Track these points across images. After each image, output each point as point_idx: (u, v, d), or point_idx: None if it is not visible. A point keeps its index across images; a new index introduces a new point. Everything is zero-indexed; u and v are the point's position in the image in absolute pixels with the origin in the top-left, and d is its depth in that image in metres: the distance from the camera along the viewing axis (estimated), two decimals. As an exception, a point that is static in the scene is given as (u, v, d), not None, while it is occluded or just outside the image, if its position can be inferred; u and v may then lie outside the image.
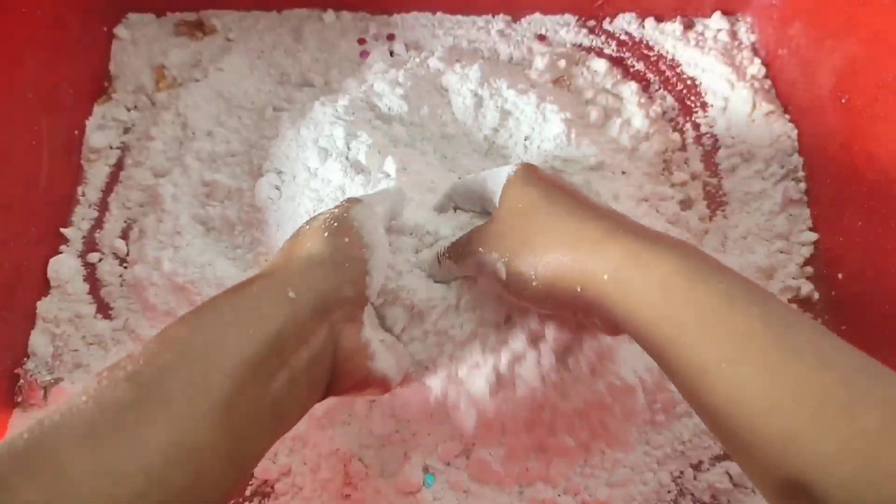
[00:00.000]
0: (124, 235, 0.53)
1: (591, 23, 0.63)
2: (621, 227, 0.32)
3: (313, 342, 0.31)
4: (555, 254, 0.33)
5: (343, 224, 0.35)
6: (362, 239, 0.35)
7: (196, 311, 0.29)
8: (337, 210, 0.36)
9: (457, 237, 0.41)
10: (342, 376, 0.33)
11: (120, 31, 0.60)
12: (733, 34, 0.62)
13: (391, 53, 0.60)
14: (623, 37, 0.62)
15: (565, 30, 0.62)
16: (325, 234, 0.34)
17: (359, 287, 0.34)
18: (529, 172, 0.37)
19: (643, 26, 0.63)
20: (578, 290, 0.32)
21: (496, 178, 0.39)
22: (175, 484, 0.23)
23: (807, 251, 0.53)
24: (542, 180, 0.37)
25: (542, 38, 0.62)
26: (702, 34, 0.62)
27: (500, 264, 0.35)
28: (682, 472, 0.45)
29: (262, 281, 0.31)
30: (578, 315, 0.34)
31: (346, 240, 0.34)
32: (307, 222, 0.37)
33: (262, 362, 0.28)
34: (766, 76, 0.60)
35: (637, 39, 0.62)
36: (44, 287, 0.50)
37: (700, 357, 0.27)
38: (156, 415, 0.24)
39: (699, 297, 0.28)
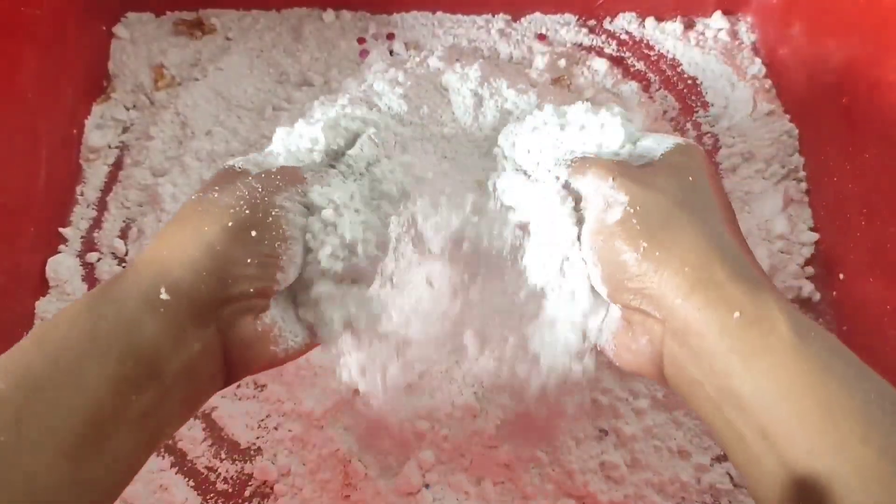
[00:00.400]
0: (123, 235, 0.53)
1: (592, 22, 0.63)
2: (775, 287, 0.27)
3: (192, 345, 0.27)
4: (691, 253, 0.27)
5: (258, 213, 0.29)
6: (281, 232, 0.29)
7: (50, 326, 0.25)
8: (259, 189, 0.30)
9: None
10: (242, 366, 0.29)
11: (119, 30, 0.60)
12: (734, 34, 0.62)
13: (391, 53, 0.60)
14: (623, 36, 0.62)
15: (565, 29, 0.62)
16: (229, 224, 0.28)
17: (263, 283, 0.29)
18: (706, 157, 0.32)
19: (644, 26, 0.62)
20: (678, 302, 0.26)
21: (654, 138, 0.33)
22: None
23: (808, 251, 0.53)
24: (717, 174, 0.32)
25: (542, 37, 0.62)
26: (702, 34, 0.62)
27: (619, 207, 0.29)
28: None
29: (129, 279, 0.27)
30: (633, 320, 0.29)
31: (254, 234, 0.28)
32: (203, 190, 0.30)
33: (125, 381, 0.24)
34: (767, 76, 0.60)
35: (637, 39, 0.62)
36: (42, 287, 0.50)
37: (855, 462, 0.22)
38: (6, 470, 0.22)
39: (867, 391, 0.23)
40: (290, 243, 0.30)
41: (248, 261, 0.28)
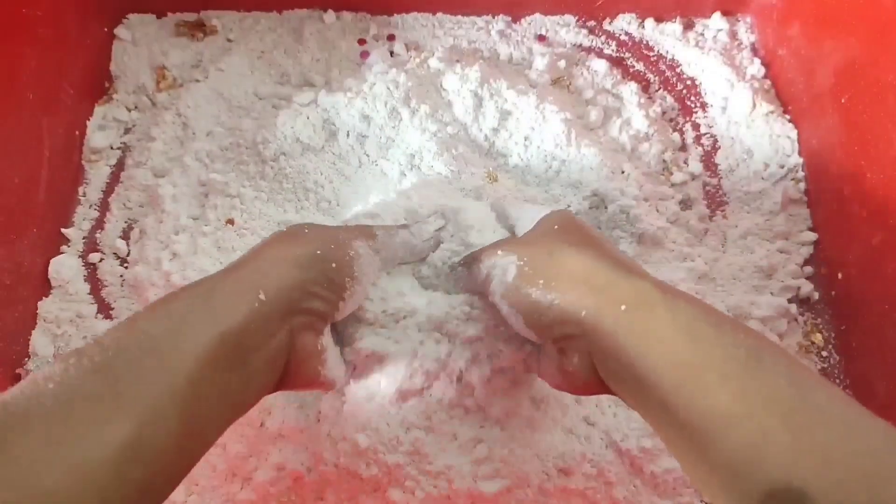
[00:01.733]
0: (125, 236, 0.53)
1: (591, 23, 0.63)
2: (651, 275, 0.32)
3: (273, 343, 0.31)
4: (578, 273, 0.33)
5: (339, 251, 0.36)
6: (352, 271, 0.36)
7: (165, 300, 0.30)
8: (342, 234, 0.37)
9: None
10: (295, 377, 0.34)
11: (120, 31, 0.60)
12: (733, 34, 0.62)
13: (391, 54, 0.60)
14: (623, 37, 0.63)
15: (565, 30, 0.62)
16: (317, 252, 0.34)
17: (328, 306, 0.35)
18: (570, 214, 0.39)
19: (643, 27, 0.63)
20: (583, 314, 0.31)
21: (528, 212, 0.41)
22: (135, 478, 0.24)
23: (806, 251, 0.53)
24: (582, 224, 0.38)
25: (542, 38, 0.62)
26: (701, 34, 0.62)
27: (513, 265, 0.35)
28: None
29: (234, 277, 0.32)
30: (563, 346, 0.33)
31: (334, 265, 0.35)
32: (302, 225, 0.37)
33: (222, 358, 0.28)
34: (766, 76, 0.60)
35: (637, 40, 0.62)
36: (45, 287, 0.50)
37: (720, 406, 0.26)
38: (120, 411, 0.24)
39: (726, 346, 0.28)
40: (357, 282, 0.36)
41: (325, 284, 0.34)
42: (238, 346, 0.29)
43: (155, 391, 0.25)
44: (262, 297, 0.31)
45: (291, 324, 0.32)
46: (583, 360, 0.33)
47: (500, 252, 0.37)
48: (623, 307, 0.30)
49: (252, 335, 0.30)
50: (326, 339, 0.36)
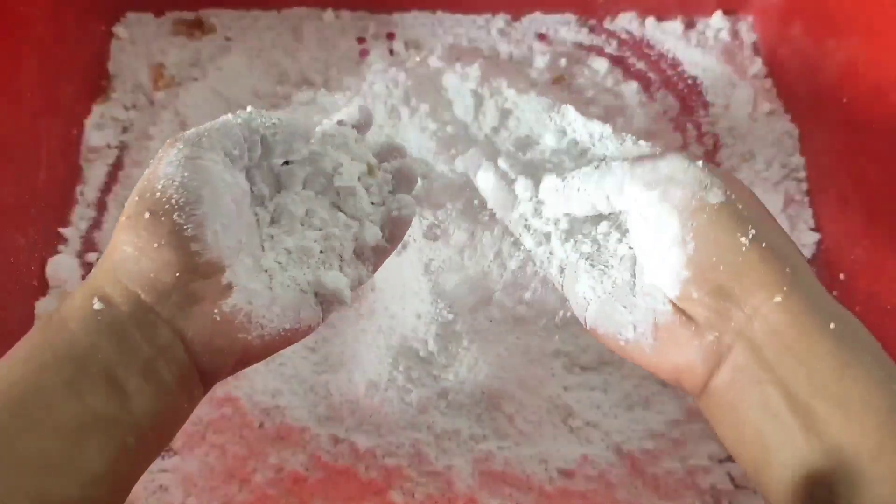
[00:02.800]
0: (123, 235, 0.53)
1: (592, 22, 0.63)
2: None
3: (144, 353, 0.26)
4: (785, 242, 0.27)
5: (144, 193, 0.27)
6: (191, 206, 0.27)
7: (17, 350, 0.26)
8: (146, 173, 0.28)
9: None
10: (211, 367, 0.28)
11: (118, 30, 0.60)
12: (734, 33, 0.62)
13: (391, 52, 0.60)
14: (624, 36, 0.62)
15: (566, 29, 0.62)
16: (123, 219, 0.27)
17: (181, 262, 0.26)
18: (743, 185, 0.30)
19: (644, 25, 0.62)
20: (779, 299, 0.26)
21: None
22: None
23: (808, 251, 0.53)
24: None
25: (542, 36, 0.61)
26: (703, 33, 0.62)
27: (717, 191, 0.28)
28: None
29: (66, 303, 0.27)
30: (697, 306, 0.27)
31: (148, 216, 0.26)
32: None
33: (86, 391, 0.25)
34: (768, 76, 0.60)
35: (638, 38, 0.62)
36: (42, 287, 0.50)
37: None
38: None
39: None
40: (200, 201, 0.27)
41: (161, 243, 0.26)
42: (88, 374, 0.25)
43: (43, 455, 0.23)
44: (97, 305, 0.26)
45: (159, 315, 0.26)
46: (710, 346, 0.27)
47: (701, 164, 0.29)
48: (832, 325, 0.25)
49: (104, 354, 0.25)
50: (240, 296, 0.27)
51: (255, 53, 0.60)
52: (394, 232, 0.35)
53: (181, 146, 0.28)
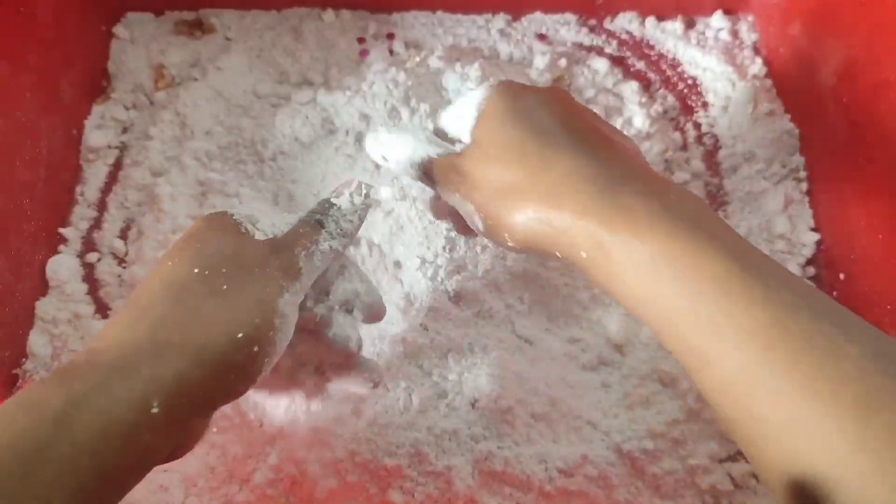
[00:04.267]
0: (123, 235, 0.53)
1: (592, 22, 0.63)
2: (611, 186, 0.28)
3: (163, 451, 0.26)
4: (532, 216, 0.29)
5: (262, 323, 0.28)
6: (274, 346, 0.28)
7: (20, 425, 0.23)
8: (267, 288, 0.29)
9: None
10: (188, 447, 0.29)
11: (119, 30, 0.60)
12: (734, 33, 0.62)
13: (391, 52, 0.60)
14: (624, 36, 0.62)
15: (566, 29, 0.62)
16: (240, 336, 0.27)
17: (239, 394, 0.28)
18: (512, 97, 0.32)
19: (644, 25, 0.62)
20: (558, 255, 0.29)
21: (468, 104, 0.34)
22: None
23: (808, 251, 0.53)
24: (527, 108, 0.32)
25: (542, 37, 0.61)
26: (703, 33, 0.62)
27: (476, 218, 0.32)
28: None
29: (115, 383, 0.24)
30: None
31: (256, 349, 0.27)
32: (200, 262, 0.29)
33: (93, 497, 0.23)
34: (768, 75, 0.60)
35: (638, 38, 0.62)
36: (42, 287, 0.50)
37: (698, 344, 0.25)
38: None
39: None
40: (276, 354, 0.29)
41: (239, 375, 0.27)
42: (113, 477, 0.24)
43: None
44: (154, 410, 0.24)
45: (190, 426, 0.27)
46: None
47: (457, 196, 0.32)
48: (584, 255, 0.28)
49: (135, 456, 0.24)
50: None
51: (255, 53, 0.60)
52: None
53: (284, 283, 0.29)
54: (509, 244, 0.31)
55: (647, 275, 0.26)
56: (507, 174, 0.30)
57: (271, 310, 0.28)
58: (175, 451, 0.28)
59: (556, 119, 0.31)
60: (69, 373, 0.25)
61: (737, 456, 0.46)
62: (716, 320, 0.25)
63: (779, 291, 0.24)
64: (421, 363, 0.45)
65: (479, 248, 0.47)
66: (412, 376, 0.45)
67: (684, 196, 0.28)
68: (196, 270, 0.28)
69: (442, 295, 0.46)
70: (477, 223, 0.32)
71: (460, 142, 0.35)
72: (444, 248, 0.46)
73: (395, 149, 0.36)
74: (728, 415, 0.25)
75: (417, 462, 0.43)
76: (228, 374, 0.27)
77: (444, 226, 0.45)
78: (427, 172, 0.35)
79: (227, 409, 0.45)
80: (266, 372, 0.28)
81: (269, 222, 0.32)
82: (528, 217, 0.29)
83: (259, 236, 0.31)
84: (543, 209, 0.29)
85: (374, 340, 0.45)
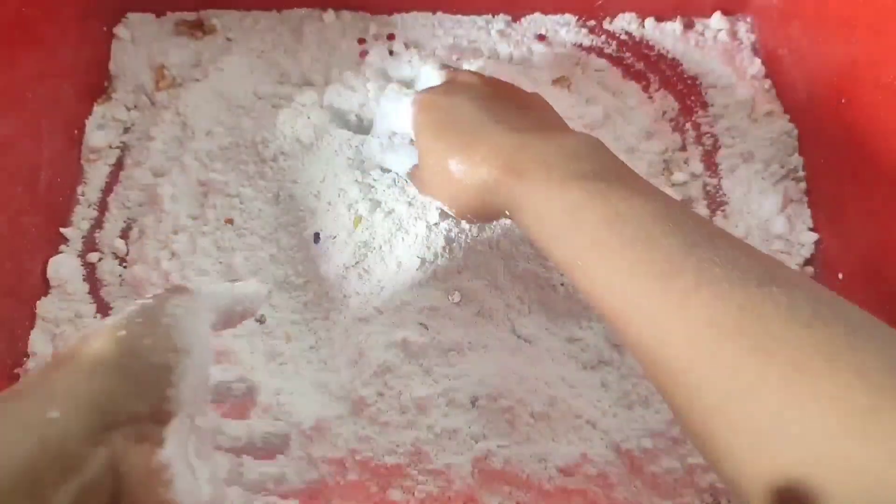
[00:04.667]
0: (124, 235, 0.53)
1: (591, 22, 0.63)
2: (519, 160, 0.36)
3: (85, 471, 0.24)
4: (485, 201, 0.37)
5: (149, 319, 0.28)
6: (171, 341, 0.28)
7: None
8: (150, 301, 0.29)
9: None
10: None
11: (119, 30, 0.60)
12: (733, 34, 0.62)
13: (391, 53, 0.60)
14: (623, 36, 0.62)
15: (565, 30, 0.62)
16: (120, 333, 0.27)
17: (156, 401, 0.27)
18: (429, 111, 0.41)
19: (643, 26, 0.62)
20: (507, 213, 0.37)
21: (403, 118, 0.43)
22: None
23: (807, 251, 0.53)
24: (445, 115, 0.40)
25: (542, 37, 0.62)
26: (702, 34, 0.62)
27: (445, 208, 0.41)
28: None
29: (11, 399, 0.24)
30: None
31: (146, 341, 0.27)
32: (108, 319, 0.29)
33: None
34: (767, 76, 0.60)
35: (637, 39, 0.62)
36: (43, 287, 0.50)
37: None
38: None
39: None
40: (186, 354, 0.28)
41: (141, 377, 0.26)
42: (22, 488, 0.22)
43: None
44: (53, 414, 0.24)
45: (110, 442, 0.25)
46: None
47: (429, 197, 0.43)
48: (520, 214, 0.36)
49: (45, 470, 0.23)
50: (170, 448, 0.26)
51: (256, 54, 0.60)
52: None
53: (186, 298, 0.30)
54: (473, 220, 0.41)
55: (549, 224, 0.33)
56: (447, 172, 0.38)
57: (153, 309, 0.29)
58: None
59: (468, 109, 0.39)
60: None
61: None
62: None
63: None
64: (421, 362, 0.45)
65: (479, 248, 0.47)
66: (412, 375, 0.45)
67: (578, 143, 0.36)
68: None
69: (442, 295, 0.47)
70: (448, 212, 0.41)
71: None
72: (443, 248, 0.46)
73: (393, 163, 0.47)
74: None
75: (417, 461, 0.43)
76: (126, 375, 0.26)
77: (443, 226, 0.46)
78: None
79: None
80: (181, 383, 0.27)
81: None
82: (469, 196, 0.38)
83: None
84: (475, 186, 0.37)
85: (378, 337, 0.45)
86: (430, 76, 0.46)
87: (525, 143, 0.36)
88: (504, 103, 0.41)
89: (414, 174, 0.44)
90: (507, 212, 0.37)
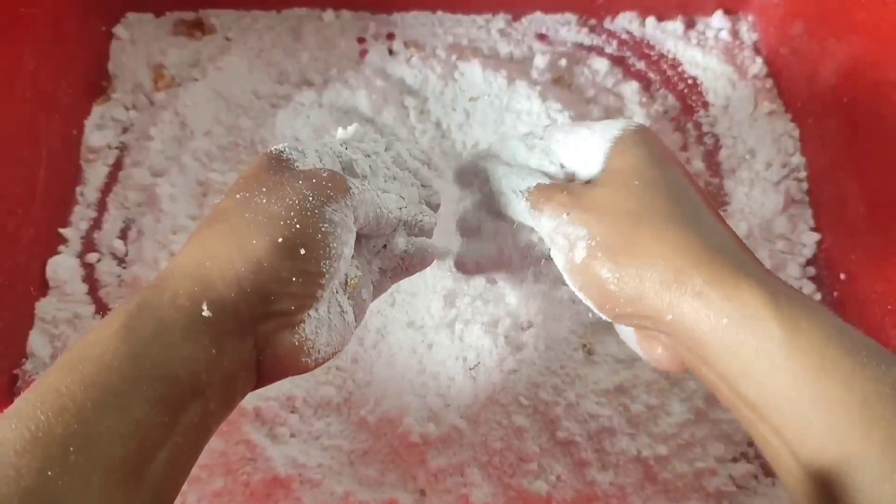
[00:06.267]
0: (123, 235, 0.53)
1: (592, 22, 0.62)
2: (764, 272, 0.26)
3: (233, 361, 0.26)
4: (669, 262, 0.27)
5: (309, 226, 0.28)
6: (329, 250, 0.28)
7: (87, 347, 0.24)
8: (311, 196, 0.28)
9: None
10: (273, 376, 0.29)
11: (119, 30, 0.60)
12: (735, 33, 0.62)
13: (391, 52, 0.60)
14: (624, 36, 0.62)
15: (566, 29, 0.62)
16: (279, 239, 0.27)
17: (304, 300, 0.28)
18: (652, 137, 0.31)
19: (644, 25, 0.62)
20: (669, 318, 0.27)
21: (591, 136, 0.32)
22: None
23: (809, 251, 0.53)
24: (668, 153, 0.31)
25: (542, 37, 0.61)
26: (703, 33, 0.62)
27: (581, 244, 0.29)
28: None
29: (168, 290, 0.26)
30: (646, 334, 0.30)
31: (304, 251, 0.27)
32: (247, 186, 0.29)
33: (169, 402, 0.24)
34: (768, 75, 0.60)
35: (638, 38, 0.62)
36: (42, 287, 0.50)
37: (859, 454, 0.22)
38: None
39: (866, 379, 0.23)
40: (335, 261, 0.29)
41: (294, 279, 0.27)
42: (185, 381, 0.24)
43: (101, 460, 0.22)
44: (206, 313, 0.25)
45: (255, 333, 0.27)
46: (671, 351, 0.29)
47: (566, 217, 0.30)
48: (724, 321, 0.25)
49: (203, 364, 0.25)
50: (308, 325, 0.29)
51: (255, 53, 0.60)
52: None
53: (331, 193, 0.29)
54: (611, 287, 0.28)
55: (811, 361, 0.24)
56: (655, 199, 0.29)
57: (314, 215, 0.28)
58: (259, 379, 0.28)
59: (683, 180, 0.30)
60: (133, 293, 0.27)
61: (738, 457, 0.46)
62: None
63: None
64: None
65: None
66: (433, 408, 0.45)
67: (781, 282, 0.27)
68: (238, 196, 0.29)
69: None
70: (577, 251, 0.30)
71: (547, 170, 0.34)
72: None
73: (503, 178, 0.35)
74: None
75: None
76: (277, 277, 0.27)
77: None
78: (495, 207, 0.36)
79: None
80: (326, 286, 0.29)
81: (316, 156, 0.32)
82: (674, 246, 0.27)
83: (309, 167, 0.31)
84: (700, 241, 0.27)
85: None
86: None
87: (741, 267, 0.27)
88: (709, 201, 0.31)
89: (552, 190, 0.32)
90: (670, 316, 0.27)
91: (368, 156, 0.36)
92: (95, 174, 0.55)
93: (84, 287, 0.51)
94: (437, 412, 0.44)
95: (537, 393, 0.44)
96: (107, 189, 0.55)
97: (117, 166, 0.56)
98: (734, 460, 0.46)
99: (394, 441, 0.44)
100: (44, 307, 0.49)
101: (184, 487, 0.42)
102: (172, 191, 0.53)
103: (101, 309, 0.50)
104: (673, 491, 0.44)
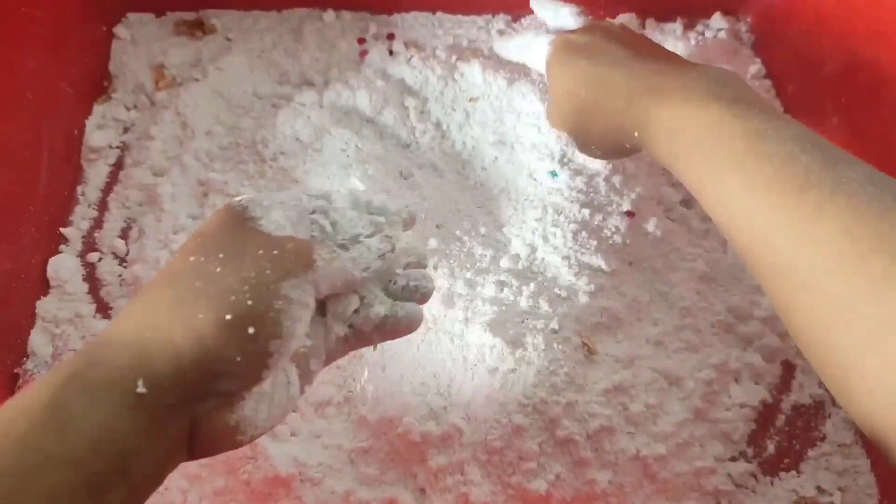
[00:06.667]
0: (124, 235, 0.53)
1: (592, 22, 0.63)
2: (664, 85, 0.37)
3: (165, 441, 0.25)
4: (611, 125, 0.39)
5: (259, 306, 0.26)
6: (279, 329, 0.27)
7: (17, 415, 0.23)
8: (268, 270, 0.27)
9: None
10: (203, 454, 0.27)
11: (120, 30, 0.60)
12: (734, 34, 0.62)
13: (391, 53, 0.60)
14: (623, 36, 0.62)
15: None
16: (227, 317, 0.25)
17: (247, 381, 0.27)
18: (567, 49, 0.43)
19: (644, 26, 0.62)
20: (636, 134, 0.38)
21: (537, 56, 0.48)
22: None
23: (807, 251, 0.53)
24: (582, 51, 0.42)
25: (542, 37, 0.62)
26: (702, 34, 0.62)
27: (570, 140, 0.45)
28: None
29: (103, 360, 0.24)
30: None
31: (253, 330, 0.26)
32: (202, 245, 0.28)
33: (96, 482, 0.23)
34: (767, 76, 0.60)
35: (637, 39, 0.62)
36: (43, 287, 0.50)
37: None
38: None
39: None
40: (286, 340, 0.27)
41: (239, 359, 0.25)
42: (114, 461, 0.23)
43: None
44: (140, 389, 0.24)
45: (192, 410, 0.26)
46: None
47: (555, 127, 0.47)
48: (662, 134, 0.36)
49: (133, 443, 0.23)
50: (248, 404, 0.27)
51: (255, 54, 0.60)
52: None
53: (300, 277, 0.28)
54: (598, 153, 0.44)
55: (684, 140, 0.34)
56: (579, 99, 0.41)
57: (269, 291, 0.26)
58: (189, 454, 0.27)
59: (607, 45, 0.42)
60: (64, 359, 0.25)
61: (737, 456, 0.46)
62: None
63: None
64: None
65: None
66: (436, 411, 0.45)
67: (718, 71, 0.38)
68: (192, 258, 0.27)
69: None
70: (573, 144, 0.46)
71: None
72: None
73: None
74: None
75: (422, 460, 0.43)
76: (220, 357, 0.25)
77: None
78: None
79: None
80: (273, 367, 0.27)
81: (282, 214, 0.30)
82: (599, 123, 0.40)
83: (273, 229, 0.29)
84: (607, 110, 0.39)
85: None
86: (567, 21, 0.49)
87: (663, 70, 0.38)
88: (644, 43, 0.44)
89: (547, 110, 0.48)
90: (635, 133, 0.38)
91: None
92: (96, 174, 0.55)
93: (85, 286, 0.51)
94: (437, 411, 0.44)
95: (537, 392, 0.44)
96: (108, 189, 0.55)
97: (118, 166, 0.56)
98: (733, 459, 0.46)
99: (394, 440, 0.44)
100: (45, 306, 0.49)
101: (185, 486, 0.43)
102: (173, 190, 0.53)
103: (102, 308, 0.50)
104: (672, 490, 0.44)
